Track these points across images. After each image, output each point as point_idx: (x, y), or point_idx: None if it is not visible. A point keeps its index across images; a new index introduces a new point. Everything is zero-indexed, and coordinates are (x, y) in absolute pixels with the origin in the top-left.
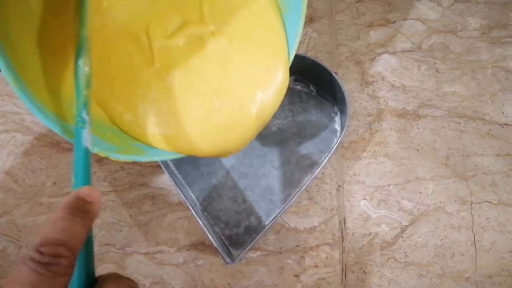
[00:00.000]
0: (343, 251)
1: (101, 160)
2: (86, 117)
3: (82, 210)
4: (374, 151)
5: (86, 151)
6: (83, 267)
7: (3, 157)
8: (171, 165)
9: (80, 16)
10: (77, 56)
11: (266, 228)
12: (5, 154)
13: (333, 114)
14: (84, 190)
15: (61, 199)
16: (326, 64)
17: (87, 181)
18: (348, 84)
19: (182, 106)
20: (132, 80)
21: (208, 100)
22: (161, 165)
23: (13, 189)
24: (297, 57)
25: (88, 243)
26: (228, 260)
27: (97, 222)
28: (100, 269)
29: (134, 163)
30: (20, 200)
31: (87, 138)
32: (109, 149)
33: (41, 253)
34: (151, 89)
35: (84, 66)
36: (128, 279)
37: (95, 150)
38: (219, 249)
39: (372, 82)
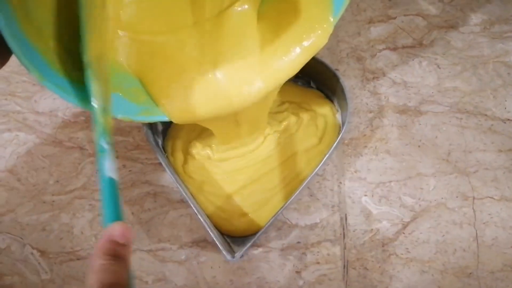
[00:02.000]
0: (345, 248)
1: None
2: (106, 146)
3: (119, 256)
4: (375, 148)
5: (111, 181)
6: None
7: (6, 156)
8: (173, 164)
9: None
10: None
11: (267, 224)
12: (8, 153)
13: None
14: (116, 232)
15: (64, 198)
16: (327, 60)
17: (116, 215)
18: (348, 81)
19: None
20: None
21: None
22: (162, 163)
23: (16, 187)
24: None
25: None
26: (229, 257)
27: (99, 219)
28: None
29: (136, 160)
30: (23, 198)
31: (109, 168)
32: (133, 111)
33: None
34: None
35: (94, 98)
36: None
37: (119, 116)
38: (220, 246)
39: (373, 78)
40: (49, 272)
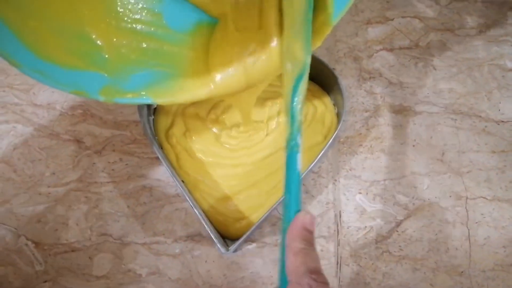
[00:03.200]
0: (338, 244)
1: (99, 152)
2: (300, 141)
3: (311, 242)
4: (371, 146)
5: (299, 175)
6: None
7: (3, 147)
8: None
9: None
10: (294, 89)
11: (261, 220)
12: (5, 144)
13: None
14: (307, 220)
15: (59, 190)
16: (324, 59)
17: (300, 205)
18: (345, 80)
19: None
20: None
21: None
22: (159, 156)
23: (12, 178)
24: None
25: None
26: (223, 250)
27: (94, 212)
28: (97, 259)
29: (132, 154)
30: (19, 189)
31: (300, 163)
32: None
33: (315, 280)
34: None
35: (300, 95)
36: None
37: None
38: (215, 239)
39: (370, 78)
40: (43, 264)
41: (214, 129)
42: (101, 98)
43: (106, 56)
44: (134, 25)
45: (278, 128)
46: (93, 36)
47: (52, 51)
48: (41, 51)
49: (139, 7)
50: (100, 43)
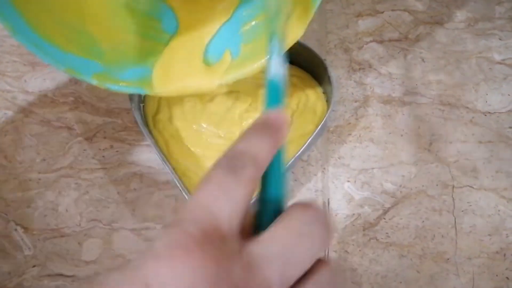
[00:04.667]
0: None
1: (90, 138)
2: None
3: (269, 134)
4: (359, 136)
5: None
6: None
7: None
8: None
9: None
10: None
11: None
12: None
13: None
14: (272, 116)
15: (50, 176)
16: (315, 50)
17: (278, 101)
18: (336, 71)
19: None
20: None
21: None
22: (150, 142)
23: (2, 164)
24: None
25: (277, 168)
26: None
27: (84, 198)
28: (86, 244)
29: (123, 141)
30: (9, 175)
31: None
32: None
33: (228, 157)
34: None
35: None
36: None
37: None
38: None
39: (359, 69)
40: (32, 248)
41: (194, 126)
42: (94, 82)
43: (103, 50)
44: (133, 27)
45: None
46: (93, 33)
47: (52, 35)
48: (41, 32)
49: (141, 12)
50: (98, 39)
